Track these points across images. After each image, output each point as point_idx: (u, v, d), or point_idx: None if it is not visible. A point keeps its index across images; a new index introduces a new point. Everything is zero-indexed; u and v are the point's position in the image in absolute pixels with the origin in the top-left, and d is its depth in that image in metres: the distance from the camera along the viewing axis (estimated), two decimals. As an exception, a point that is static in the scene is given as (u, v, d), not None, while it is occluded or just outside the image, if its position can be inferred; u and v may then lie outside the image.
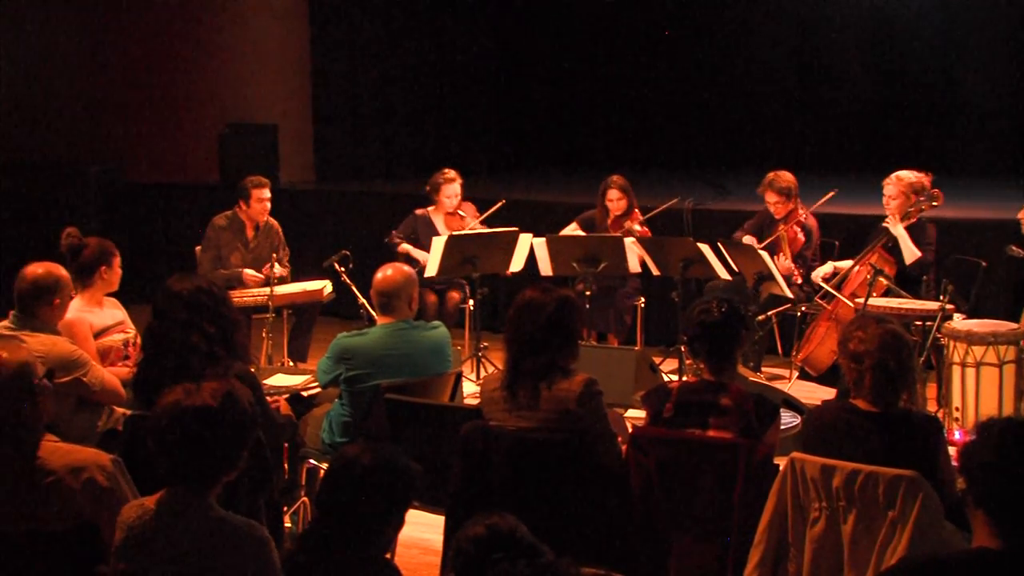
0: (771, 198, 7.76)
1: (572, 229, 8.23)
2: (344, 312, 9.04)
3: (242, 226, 7.81)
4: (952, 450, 3.93)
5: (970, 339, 6.16)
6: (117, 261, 5.54)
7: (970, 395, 6.17)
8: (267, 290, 7.17)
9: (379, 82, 12.23)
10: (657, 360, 7.26)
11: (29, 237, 9.74)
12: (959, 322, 6.33)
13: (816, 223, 7.81)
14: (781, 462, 3.85)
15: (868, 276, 6.58)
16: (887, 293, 6.76)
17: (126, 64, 11.27)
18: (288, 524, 4.86)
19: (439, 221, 8.20)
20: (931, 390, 6.71)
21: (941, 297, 6.22)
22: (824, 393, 6.84)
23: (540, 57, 13.67)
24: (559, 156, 13.57)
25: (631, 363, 6.29)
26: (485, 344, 7.79)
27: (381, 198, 10.36)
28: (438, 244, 7.44)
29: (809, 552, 3.75)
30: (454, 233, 7.71)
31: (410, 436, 4.65)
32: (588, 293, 7.53)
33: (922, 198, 7.14)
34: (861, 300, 6.58)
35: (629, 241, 7.64)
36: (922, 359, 6.12)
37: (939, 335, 6.26)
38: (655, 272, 7.69)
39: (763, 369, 7.69)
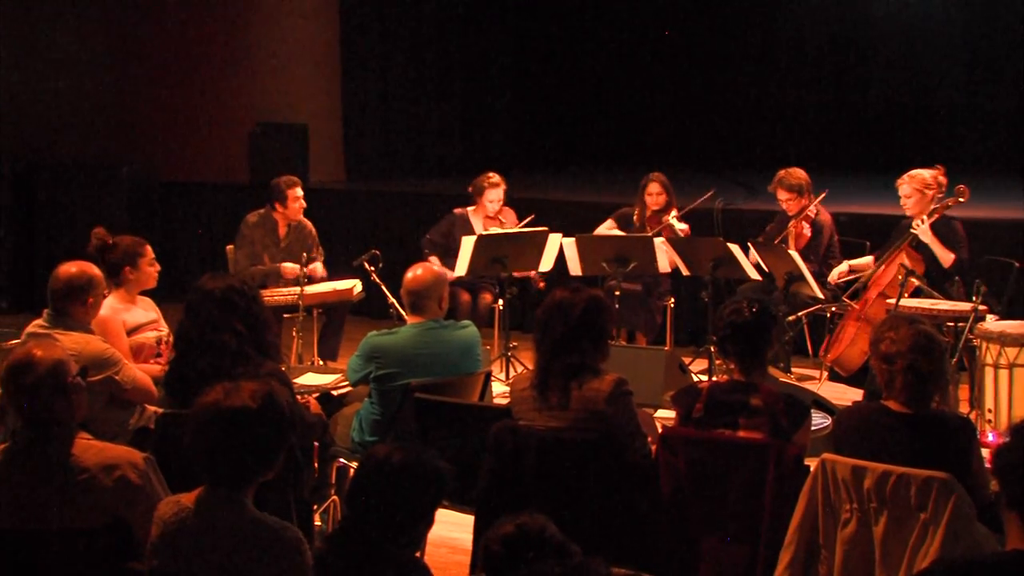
0: (782, 195, 7.74)
1: (608, 226, 8.19)
2: (374, 311, 9.05)
3: (274, 225, 7.82)
4: (985, 452, 3.92)
5: (1003, 340, 6.11)
6: (145, 260, 5.55)
7: (1003, 397, 6.11)
8: (298, 289, 7.18)
9: (409, 81, 12.26)
10: (687, 360, 7.25)
11: (62, 236, 9.81)
12: (992, 323, 6.28)
13: (831, 219, 7.76)
14: (812, 463, 3.83)
15: (899, 276, 6.54)
16: (917, 293, 6.72)
17: (157, 64, 11.33)
18: (318, 523, 4.88)
19: (478, 223, 8.18)
20: (963, 391, 6.67)
21: (974, 298, 6.18)
22: (855, 394, 6.80)
23: (571, 56, 13.66)
24: (589, 156, 13.56)
25: (661, 363, 6.29)
26: (514, 344, 7.79)
27: (411, 197, 10.38)
28: (468, 244, 7.44)
29: (840, 553, 3.73)
30: (483, 232, 7.71)
31: (439, 435, 4.65)
32: (618, 293, 7.52)
33: (941, 195, 7.09)
34: (891, 300, 6.54)
35: (659, 241, 7.63)
36: (954, 360, 6.08)
37: (972, 336, 6.21)
38: (685, 272, 7.67)
39: (793, 369, 7.66)
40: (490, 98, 13.23)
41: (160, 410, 4.79)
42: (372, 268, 6.95)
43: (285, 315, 7.41)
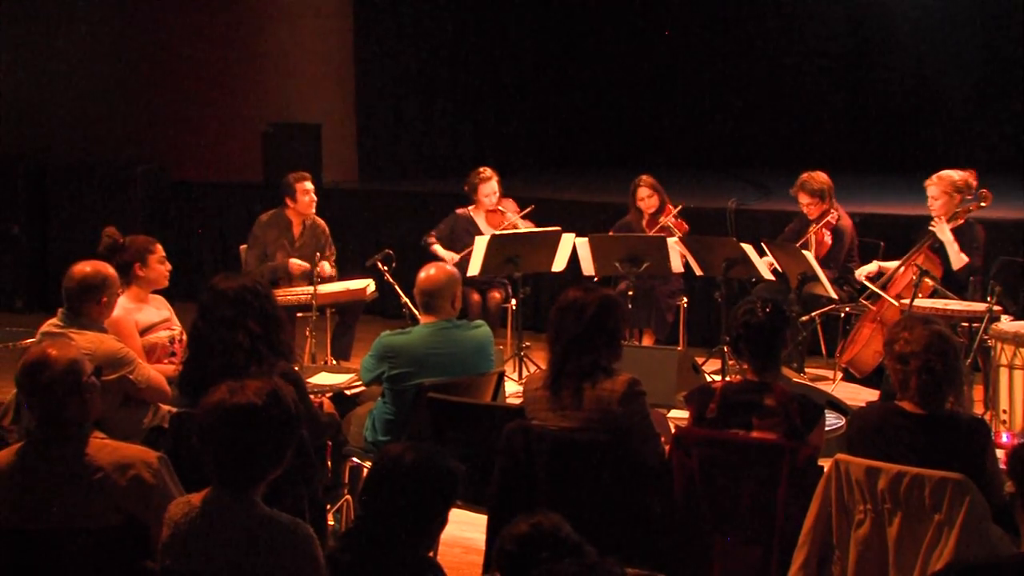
0: (804, 199, 7.69)
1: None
2: (387, 311, 9.07)
3: (288, 224, 7.83)
4: (1000, 453, 3.91)
5: (1018, 341, 6.09)
6: (155, 258, 5.56)
7: (1018, 397, 6.10)
8: (311, 289, 7.19)
9: (422, 81, 12.27)
10: (700, 360, 7.24)
11: (77, 236, 9.84)
12: (1007, 324, 6.26)
13: (851, 224, 7.72)
14: (825, 464, 3.83)
15: (914, 277, 6.53)
16: (933, 294, 6.70)
17: (171, 64, 11.35)
18: (331, 522, 4.89)
19: (480, 220, 8.21)
20: (978, 392, 6.65)
21: (988, 298, 6.16)
22: (869, 394, 6.79)
23: (583, 57, 13.66)
24: (603, 155, 13.55)
25: (674, 363, 6.27)
26: (527, 344, 7.79)
27: (424, 197, 10.38)
28: (480, 243, 7.45)
29: (854, 554, 3.72)
30: (497, 232, 7.72)
31: (453, 435, 4.66)
32: (631, 293, 7.52)
33: (969, 198, 7.06)
34: (906, 301, 6.53)
35: (672, 241, 7.62)
36: (969, 361, 6.06)
37: (986, 337, 6.19)
38: (698, 272, 7.66)
39: (807, 370, 7.64)
40: (503, 98, 13.23)
41: (174, 409, 4.80)
42: (385, 268, 6.96)
43: (298, 314, 7.43)
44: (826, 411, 4.30)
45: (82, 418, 3.45)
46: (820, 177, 7.68)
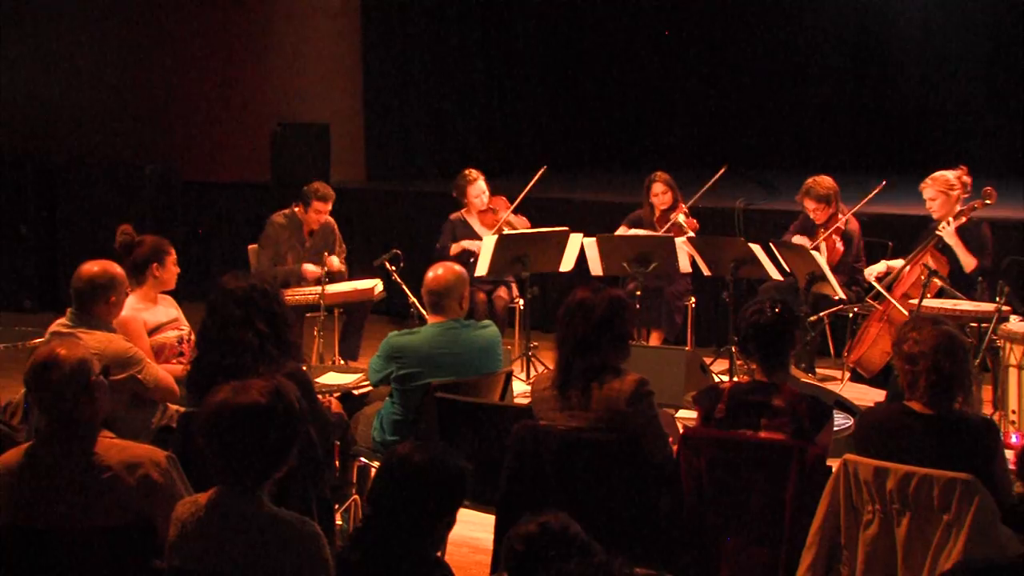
0: (810, 205, 7.68)
1: (622, 231, 8.20)
2: (395, 311, 9.08)
3: (300, 225, 7.85)
4: (1009, 454, 3.90)
5: (1027, 341, 6.08)
6: (171, 259, 5.58)
7: (1027, 398, 6.08)
8: (318, 289, 7.21)
9: (430, 81, 12.26)
10: (708, 361, 7.23)
11: (86, 236, 9.85)
12: (1015, 324, 6.25)
13: (858, 226, 7.71)
14: (834, 464, 3.82)
15: (922, 277, 6.51)
16: (940, 294, 6.68)
17: (179, 64, 11.37)
18: (339, 522, 4.88)
19: (474, 221, 8.20)
20: (987, 392, 6.63)
21: (997, 298, 6.14)
22: (877, 395, 6.77)
23: (592, 56, 13.65)
24: (609, 156, 13.54)
25: (682, 363, 6.28)
26: (535, 344, 7.79)
27: (432, 197, 10.38)
28: (488, 243, 7.45)
29: (862, 555, 3.72)
30: (505, 232, 7.71)
31: (460, 435, 4.65)
32: (639, 293, 7.51)
33: (967, 195, 7.04)
34: (913, 301, 6.51)
35: (680, 241, 7.62)
36: (977, 361, 6.04)
37: (995, 337, 6.17)
38: (706, 272, 7.66)
39: (815, 370, 7.63)
40: (512, 97, 13.22)
41: (182, 409, 4.81)
42: (393, 268, 6.96)
43: (306, 314, 7.44)
44: (834, 411, 4.29)
45: (91, 417, 3.46)
46: (825, 182, 7.66)
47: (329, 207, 7.82)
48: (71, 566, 3.35)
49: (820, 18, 12.76)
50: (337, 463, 4.99)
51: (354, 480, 5.18)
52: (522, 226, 8.16)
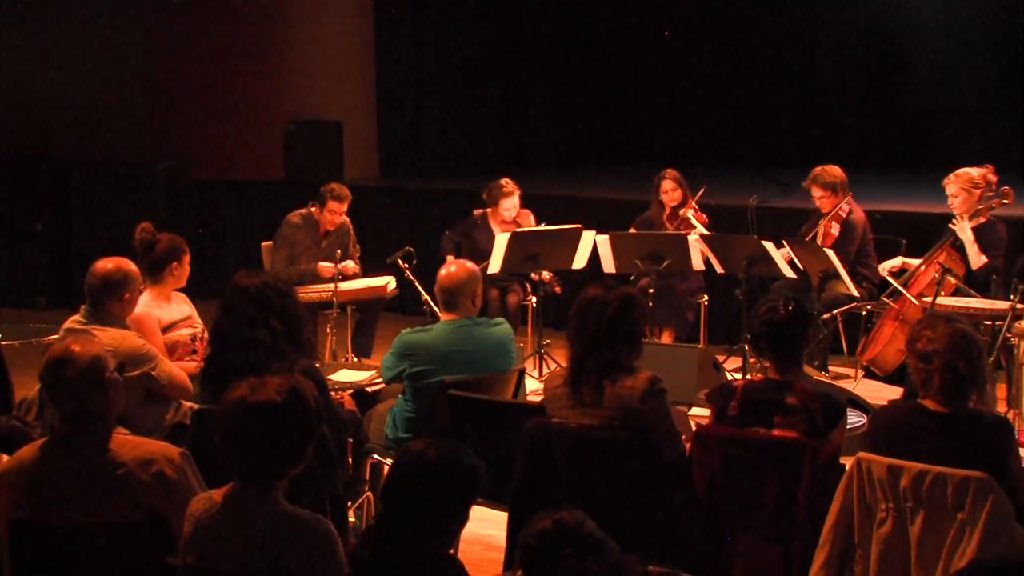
0: (817, 192, 7.67)
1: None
2: (408, 308, 9.08)
3: (316, 225, 7.84)
4: (1023, 451, 3.89)
5: (1042, 339, 6.06)
6: (187, 258, 5.59)
7: (1041, 396, 6.07)
8: (331, 286, 7.22)
9: (443, 77, 12.26)
10: (721, 358, 7.23)
11: (99, 233, 9.88)
12: (1030, 322, 6.23)
13: (864, 219, 7.67)
14: (847, 462, 3.81)
15: (936, 275, 6.49)
16: (956, 292, 6.67)
17: (192, 61, 11.37)
18: (352, 519, 4.90)
19: (496, 228, 8.18)
20: (1001, 391, 6.61)
21: (1011, 296, 6.12)
22: (890, 393, 6.76)
23: (605, 53, 13.62)
24: (623, 153, 13.51)
25: (695, 361, 6.27)
26: (548, 341, 7.79)
27: (445, 194, 10.39)
28: (501, 241, 7.45)
29: (876, 553, 3.71)
30: (517, 230, 7.70)
31: (473, 432, 4.66)
32: (651, 291, 7.51)
33: (990, 194, 7.02)
34: (929, 299, 6.49)
35: (693, 238, 7.61)
36: (992, 359, 6.03)
37: (1009, 335, 6.16)
38: (719, 270, 7.65)
39: (829, 368, 7.62)
40: (525, 94, 13.21)
41: (196, 406, 4.83)
42: (406, 265, 6.97)
43: (319, 312, 7.44)
44: (848, 409, 4.29)
45: (105, 414, 3.47)
46: (833, 170, 7.66)
47: (345, 207, 7.80)
48: (85, 562, 3.36)
49: (835, 13, 12.72)
50: (350, 460, 5.00)
51: (367, 477, 5.19)
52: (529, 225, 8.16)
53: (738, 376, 6.83)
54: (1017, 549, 3.50)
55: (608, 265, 7.69)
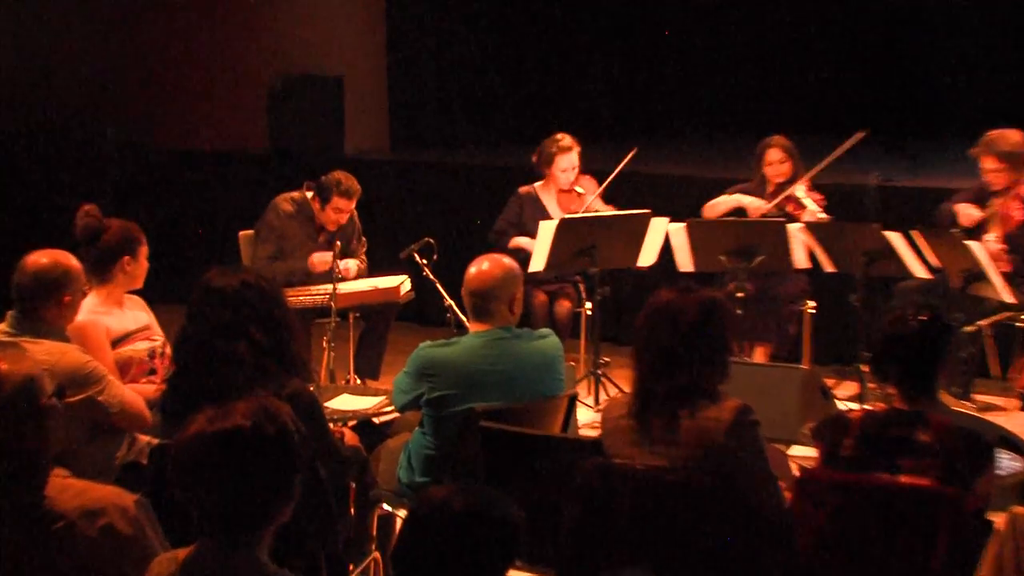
0: (989, 164, 7.59)
1: (727, 201, 8.08)
2: (426, 316, 9.12)
3: (312, 216, 7.81)
4: None
5: None
6: (144, 251, 5.62)
7: None
8: (329, 287, 7.16)
9: (470, 27, 12.27)
10: (830, 383, 7.21)
11: (31, 220, 9.96)
12: None
13: None
14: (997, 518, 3.80)
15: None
16: None
17: (150, 7, 11.44)
18: (355, 586, 4.92)
19: (550, 201, 8.18)
20: None
21: None
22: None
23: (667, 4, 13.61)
24: (699, 119, 13.47)
25: (796, 386, 6.28)
26: (606, 359, 7.80)
27: (473, 171, 10.42)
28: (546, 230, 7.43)
29: (1035, 636, 3.70)
30: (566, 216, 7.70)
31: (511, 475, 4.66)
32: (741, 295, 7.49)
33: None
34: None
35: (795, 227, 7.58)
36: None
37: None
38: (829, 268, 7.63)
39: (973, 397, 7.58)
40: (569, 50, 13.17)
41: (155, 440, 4.85)
42: (424, 261, 7.00)
43: (315, 320, 7.46)
44: (998, 450, 4.27)
45: (39, 451, 3.48)
46: (1013, 137, 7.56)
47: (353, 205, 7.73)
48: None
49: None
50: (353, 510, 5.02)
51: (374, 533, 5.21)
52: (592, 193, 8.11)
53: (854, 406, 6.81)
54: None
55: (684, 262, 7.69)
